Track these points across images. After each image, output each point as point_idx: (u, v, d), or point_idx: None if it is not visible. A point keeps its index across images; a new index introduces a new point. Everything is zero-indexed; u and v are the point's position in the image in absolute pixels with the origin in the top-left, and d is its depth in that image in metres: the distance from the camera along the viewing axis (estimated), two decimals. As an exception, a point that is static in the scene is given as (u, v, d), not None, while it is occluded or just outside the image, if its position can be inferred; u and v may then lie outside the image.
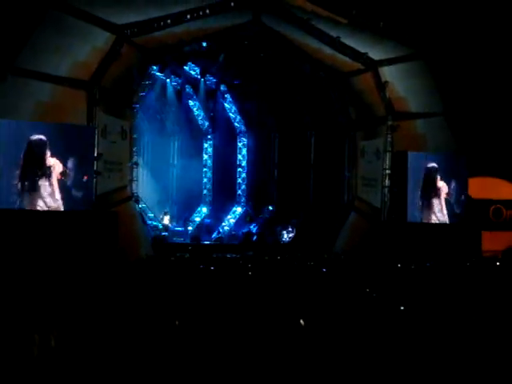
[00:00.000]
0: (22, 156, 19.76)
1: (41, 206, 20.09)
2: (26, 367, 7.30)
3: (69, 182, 20.50)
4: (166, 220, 27.62)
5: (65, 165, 20.42)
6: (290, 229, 28.84)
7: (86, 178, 20.62)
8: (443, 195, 24.40)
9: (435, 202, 24.39)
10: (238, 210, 30.78)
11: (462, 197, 24.59)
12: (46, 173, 20.13)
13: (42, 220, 19.78)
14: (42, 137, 20.00)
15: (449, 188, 24.45)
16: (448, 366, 7.65)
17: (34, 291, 11.51)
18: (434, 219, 24.42)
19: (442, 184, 24.44)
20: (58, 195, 20.31)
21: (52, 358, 7.57)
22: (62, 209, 20.42)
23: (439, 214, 24.39)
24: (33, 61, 19.55)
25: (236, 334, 8.57)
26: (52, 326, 8.68)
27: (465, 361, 7.80)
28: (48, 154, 20.13)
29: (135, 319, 9.13)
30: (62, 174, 20.33)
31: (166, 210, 28.11)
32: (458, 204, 24.59)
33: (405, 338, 8.66)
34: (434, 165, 24.35)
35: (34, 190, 20.00)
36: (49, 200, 20.19)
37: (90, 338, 8.19)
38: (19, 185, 19.74)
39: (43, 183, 20.09)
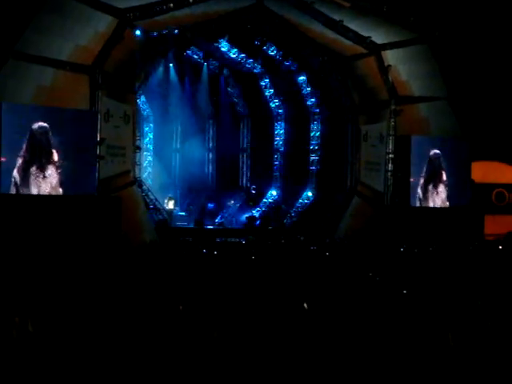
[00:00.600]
0: (25, 141, 19.72)
1: (44, 190, 20.07)
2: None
3: (72, 167, 20.47)
4: (171, 205, 27.63)
5: (67, 150, 20.39)
6: (292, 213, 28.84)
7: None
8: (444, 181, 24.41)
9: (438, 187, 24.37)
10: (242, 194, 30.78)
11: (465, 181, 24.57)
12: (49, 158, 20.10)
13: (45, 204, 19.77)
14: (44, 124, 19.96)
15: (451, 172, 24.44)
16: (450, 349, 7.64)
17: (37, 276, 11.53)
18: (435, 204, 24.41)
19: (446, 169, 24.44)
20: (60, 180, 20.29)
21: (57, 343, 7.59)
22: (64, 193, 20.39)
23: (440, 198, 24.38)
24: (34, 45, 19.47)
25: (240, 318, 8.58)
26: (52, 310, 8.70)
27: (467, 344, 7.80)
28: (51, 139, 20.09)
29: (139, 304, 9.14)
30: (65, 159, 20.29)
31: (170, 195, 28.12)
32: (461, 188, 24.57)
33: (407, 321, 8.66)
34: (437, 151, 24.33)
35: (38, 174, 19.97)
36: (52, 185, 20.18)
37: (93, 324, 8.20)
38: (23, 169, 19.71)
39: (46, 168, 20.07)
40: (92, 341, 7.63)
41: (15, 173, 19.61)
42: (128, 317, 8.58)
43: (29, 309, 8.70)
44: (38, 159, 19.98)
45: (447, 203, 24.53)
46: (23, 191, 19.77)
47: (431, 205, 24.41)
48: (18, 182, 19.70)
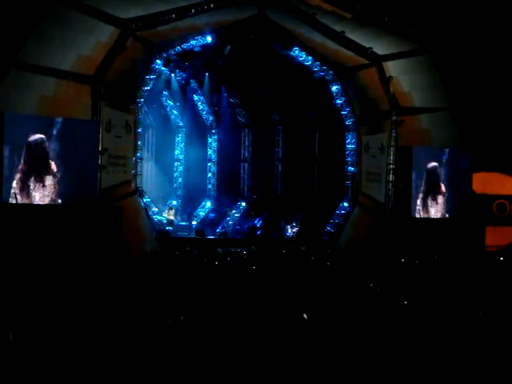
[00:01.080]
0: (24, 152, 19.77)
1: (42, 201, 20.10)
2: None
3: (73, 177, 20.50)
4: (171, 215, 27.66)
5: (69, 159, 20.43)
6: (293, 223, 28.86)
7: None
8: (443, 193, 24.43)
9: (437, 198, 24.40)
10: (243, 204, 30.81)
11: (466, 192, 24.59)
12: (47, 169, 20.13)
13: (46, 214, 19.80)
14: (40, 135, 19.98)
15: (452, 183, 24.47)
16: (450, 360, 7.65)
17: (37, 286, 11.54)
18: (434, 215, 24.43)
19: (447, 180, 24.47)
20: (59, 191, 20.32)
21: (53, 352, 7.59)
22: (65, 203, 20.42)
23: (439, 210, 24.41)
24: (36, 55, 19.54)
25: (240, 328, 8.58)
26: (51, 320, 8.70)
27: (467, 355, 7.81)
28: (48, 150, 20.11)
29: (139, 314, 9.15)
30: (66, 168, 20.33)
31: (170, 205, 28.16)
32: (462, 199, 24.58)
33: (408, 332, 8.66)
34: (435, 163, 24.36)
35: (36, 185, 20.01)
36: (51, 195, 20.21)
37: (93, 334, 8.20)
38: (21, 180, 19.74)
39: (45, 179, 20.10)
40: (91, 350, 7.63)
41: (14, 184, 19.66)
42: (128, 326, 8.59)
43: (27, 317, 8.71)
44: (35, 170, 20.01)
45: (446, 215, 24.52)
46: (23, 201, 19.80)
47: (430, 216, 24.40)
48: (17, 193, 19.73)
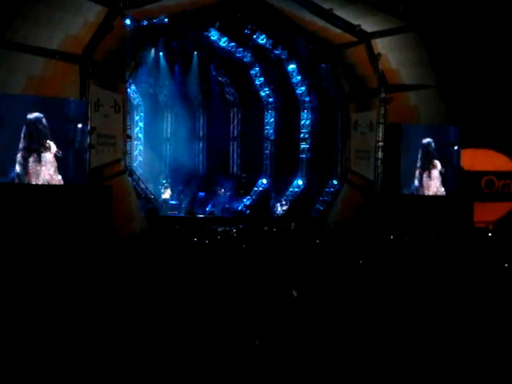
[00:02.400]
0: (21, 132, 19.75)
1: (39, 180, 20.09)
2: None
3: (62, 156, 20.48)
4: (167, 194, 27.72)
5: (58, 139, 20.40)
6: (283, 201, 28.91)
7: None
8: (437, 169, 24.44)
9: (432, 174, 24.43)
10: (232, 182, 30.83)
11: (454, 168, 24.64)
12: (44, 147, 20.12)
13: (35, 194, 19.78)
14: (39, 113, 19.98)
15: (442, 160, 24.49)
16: (441, 340, 7.71)
17: (26, 267, 11.55)
18: (431, 191, 24.44)
19: (436, 157, 24.46)
20: (54, 169, 20.31)
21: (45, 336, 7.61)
22: (60, 182, 20.42)
23: (436, 186, 24.43)
24: (24, 34, 19.43)
25: (230, 306, 8.63)
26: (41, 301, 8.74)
27: (459, 333, 7.87)
28: (46, 129, 20.10)
29: (131, 293, 9.18)
30: (57, 148, 20.32)
31: (166, 184, 28.17)
32: (451, 176, 24.64)
33: (397, 308, 8.72)
34: (429, 140, 24.36)
35: (33, 164, 19.99)
36: (47, 174, 20.19)
37: (84, 314, 8.23)
38: (18, 159, 19.74)
39: (41, 158, 20.09)
40: (83, 332, 7.66)
41: (17, 164, 19.70)
42: (120, 306, 8.62)
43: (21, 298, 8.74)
44: (33, 149, 19.99)
45: (442, 190, 24.51)
46: (24, 180, 19.83)
47: (427, 193, 24.41)
48: (19, 172, 19.76)
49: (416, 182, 24.29)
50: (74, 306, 8.55)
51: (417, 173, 24.33)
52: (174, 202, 28.23)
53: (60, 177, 20.42)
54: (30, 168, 19.93)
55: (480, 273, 11.19)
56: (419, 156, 24.34)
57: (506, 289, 9.72)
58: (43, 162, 20.12)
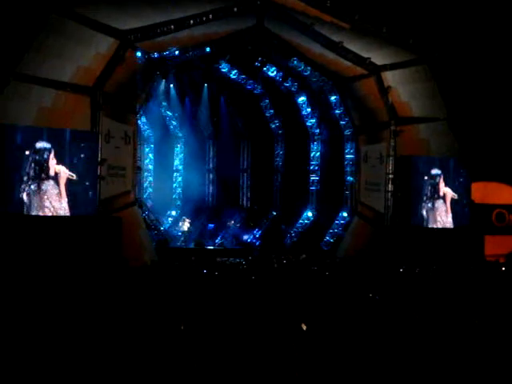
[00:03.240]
0: (28, 162, 19.79)
1: (47, 211, 20.09)
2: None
3: (73, 188, 20.51)
4: (186, 226, 27.77)
5: (69, 170, 20.43)
6: (293, 234, 28.88)
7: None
8: (448, 199, 24.36)
9: (440, 206, 24.34)
10: (242, 214, 30.84)
11: (465, 201, 24.57)
12: (53, 178, 20.14)
13: (45, 225, 19.80)
14: (46, 144, 20.02)
15: (453, 192, 24.42)
16: (449, 368, 7.66)
17: (36, 297, 11.55)
18: (438, 224, 24.34)
19: (446, 189, 24.39)
20: (64, 201, 20.33)
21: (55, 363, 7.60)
22: (68, 214, 20.40)
23: (444, 218, 24.34)
24: (35, 66, 19.54)
25: (239, 338, 8.60)
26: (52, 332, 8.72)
27: (466, 364, 7.82)
28: (53, 160, 20.13)
29: (141, 324, 9.17)
30: (70, 175, 20.33)
31: (184, 217, 28.25)
32: (462, 209, 24.57)
33: (407, 340, 8.68)
34: (438, 171, 24.31)
35: (41, 195, 20.01)
36: (55, 205, 20.20)
37: (94, 344, 8.22)
38: (26, 190, 19.75)
39: (50, 189, 20.10)
40: (93, 361, 7.64)
41: (23, 194, 19.72)
42: (130, 336, 8.60)
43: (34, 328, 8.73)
44: (40, 180, 20.01)
45: (451, 222, 24.40)
46: (28, 211, 19.83)
47: (434, 224, 24.32)
48: (27, 203, 19.78)
49: (426, 215, 24.21)
50: (84, 337, 8.54)
51: (427, 205, 24.26)
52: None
53: (66, 208, 20.39)
54: (36, 199, 19.93)
55: (490, 306, 11.13)
56: (429, 188, 24.28)
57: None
58: (47, 193, 20.11)
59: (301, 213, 29.45)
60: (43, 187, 20.00)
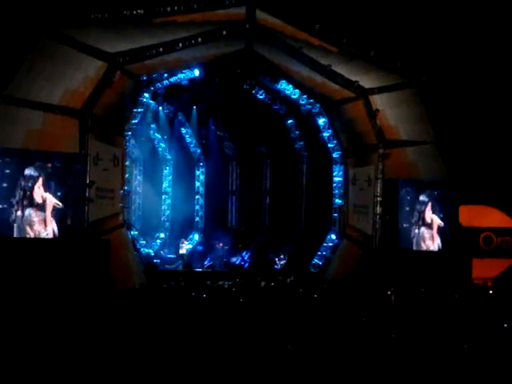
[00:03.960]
0: (18, 186, 19.76)
1: (35, 232, 20.02)
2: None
3: (61, 210, 20.46)
4: (184, 249, 27.79)
5: (57, 193, 20.39)
6: (281, 256, 28.84)
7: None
8: (435, 227, 24.41)
9: (425, 233, 24.40)
10: (230, 237, 30.84)
11: (452, 225, 24.60)
12: (37, 206, 20.07)
13: (32, 248, 19.72)
14: (34, 172, 19.97)
15: (440, 216, 24.47)
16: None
17: (23, 319, 11.51)
18: (429, 247, 24.36)
19: (433, 216, 24.42)
20: (51, 225, 20.26)
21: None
22: (57, 236, 20.34)
23: (429, 243, 24.38)
24: (24, 89, 19.56)
25: (228, 361, 8.60)
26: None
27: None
28: (40, 189, 20.07)
29: (129, 348, 9.15)
30: (56, 203, 20.29)
31: (183, 239, 28.26)
32: (449, 232, 24.59)
33: (395, 364, 8.69)
34: (425, 198, 24.35)
35: (24, 222, 19.93)
36: (42, 230, 20.14)
37: (82, 368, 8.20)
38: (13, 214, 19.70)
39: (33, 216, 20.02)
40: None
41: (13, 217, 19.68)
42: (119, 360, 8.58)
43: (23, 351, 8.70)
44: (27, 205, 19.96)
45: (440, 245, 24.42)
46: (22, 233, 19.78)
47: (425, 248, 24.34)
48: (19, 225, 19.75)
49: (414, 237, 24.26)
50: (71, 360, 8.52)
51: (415, 228, 24.32)
52: (171, 256, 28.20)
53: (53, 232, 20.33)
54: (27, 221, 19.88)
55: (479, 330, 11.15)
56: (416, 214, 24.34)
57: (504, 347, 9.68)
58: (33, 219, 20.06)
59: (289, 235, 29.44)
60: (26, 213, 19.93)
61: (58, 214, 20.40)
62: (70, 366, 8.31)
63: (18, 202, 19.78)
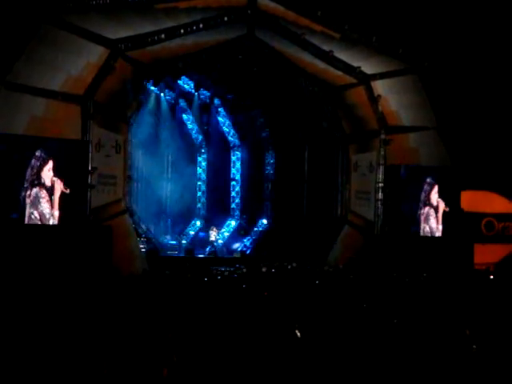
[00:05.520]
0: (25, 171, 19.78)
1: (39, 220, 20.04)
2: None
3: (64, 196, 20.47)
4: (213, 236, 27.86)
5: (60, 179, 20.40)
6: (283, 242, 28.87)
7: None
8: (440, 210, 24.42)
9: (431, 214, 24.40)
10: (232, 223, 30.87)
11: (454, 210, 24.60)
12: (47, 186, 20.10)
13: (35, 234, 19.76)
14: (43, 154, 19.99)
15: (444, 202, 24.47)
16: (440, 378, 7.69)
17: (26, 305, 11.54)
18: (431, 232, 24.37)
19: (439, 199, 24.42)
20: (57, 209, 20.29)
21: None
22: (57, 222, 20.37)
23: (433, 224, 24.39)
24: (26, 75, 19.52)
25: (232, 348, 8.61)
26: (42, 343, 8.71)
27: (457, 374, 7.85)
28: (50, 169, 20.09)
29: (131, 335, 9.16)
30: (64, 188, 20.30)
31: (212, 226, 28.33)
32: (451, 217, 24.59)
33: (398, 350, 8.70)
34: (429, 180, 24.34)
35: (35, 204, 19.95)
36: (47, 211, 20.14)
37: (85, 355, 8.21)
38: (19, 199, 19.71)
39: (42, 193, 20.04)
40: (84, 371, 7.64)
41: (11, 201, 19.68)
42: (122, 346, 8.60)
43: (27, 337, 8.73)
44: (33, 188, 19.97)
45: (442, 231, 24.44)
46: (20, 219, 19.81)
47: (427, 234, 24.35)
48: (29, 210, 19.77)
49: (416, 223, 24.28)
50: (75, 346, 8.54)
51: (417, 214, 24.33)
52: (173, 242, 28.25)
53: (57, 217, 20.35)
54: (28, 207, 19.89)
55: (480, 316, 11.17)
56: (422, 195, 24.34)
57: (505, 332, 9.70)
58: (46, 197, 20.09)
59: (292, 221, 29.46)
60: (33, 192, 19.93)
61: (63, 200, 20.41)
62: (73, 352, 8.33)
63: (27, 181, 19.78)
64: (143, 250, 24.81)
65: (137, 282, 17.03)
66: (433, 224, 24.43)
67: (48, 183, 20.13)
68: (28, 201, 19.81)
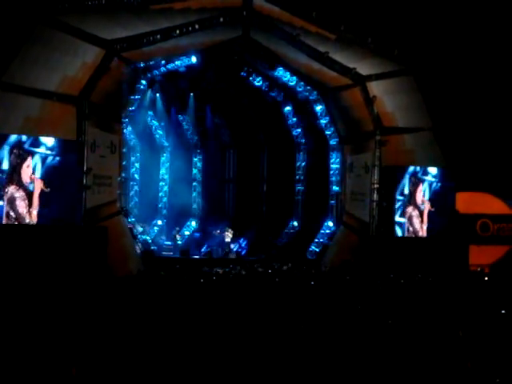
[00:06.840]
0: (10, 171, 19.79)
1: (14, 214, 19.99)
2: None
3: (58, 197, 20.46)
4: (228, 237, 27.86)
5: (54, 179, 20.39)
6: (278, 243, 28.91)
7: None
8: (426, 210, 24.49)
9: (414, 212, 24.47)
10: (228, 223, 30.89)
11: (449, 212, 24.65)
12: (25, 183, 20.06)
13: (31, 234, 19.76)
14: (22, 151, 19.97)
15: (435, 202, 24.52)
16: (433, 379, 7.71)
17: (20, 305, 11.54)
18: (411, 232, 24.45)
19: (422, 197, 24.50)
20: (36, 207, 20.22)
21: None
22: (50, 223, 20.35)
23: (417, 224, 24.46)
24: (22, 76, 19.52)
25: (228, 348, 8.63)
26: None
27: (450, 375, 7.87)
28: (29, 166, 20.07)
29: (128, 334, 9.17)
30: (43, 187, 20.26)
31: (226, 227, 28.31)
32: (445, 219, 24.64)
33: (392, 350, 8.72)
34: (417, 180, 24.41)
35: (10, 197, 19.90)
36: (24, 210, 20.08)
37: (81, 356, 8.21)
38: (9, 198, 19.71)
39: (19, 192, 19.99)
40: (78, 374, 7.64)
41: (5, 203, 19.67)
42: (117, 345, 8.61)
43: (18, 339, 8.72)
44: (25, 188, 19.98)
45: (425, 231, 24.54)
46: (13, 220, 19.80)
47: (411, 229, 24.44)
48: (9, 212, 19.73)
49: (408, 224, 24.34)
50: (70, 346, 8.54)
51: (408, 214, 24.39)
52: (168, 243, 28.24)
53: (35, 215, 20.30)
54: (9, 199, 19.87)
55: (475, 317, 11.19)
56: (409, 198, 24.40)
57: (500, 333, 9.72)
58: (22, 196, 20.04)
59: (286, 222, 29.49)
60: (9, 191, 19.90)
61: (45, 199, 20.36)
62: (67, 351, 8.34)
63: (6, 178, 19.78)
64: (138, 250, 24.75)
65: (132, 283, 17.02)
66: (416, 224, 24.49)
67: (27, 180, 20.10)
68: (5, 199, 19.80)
